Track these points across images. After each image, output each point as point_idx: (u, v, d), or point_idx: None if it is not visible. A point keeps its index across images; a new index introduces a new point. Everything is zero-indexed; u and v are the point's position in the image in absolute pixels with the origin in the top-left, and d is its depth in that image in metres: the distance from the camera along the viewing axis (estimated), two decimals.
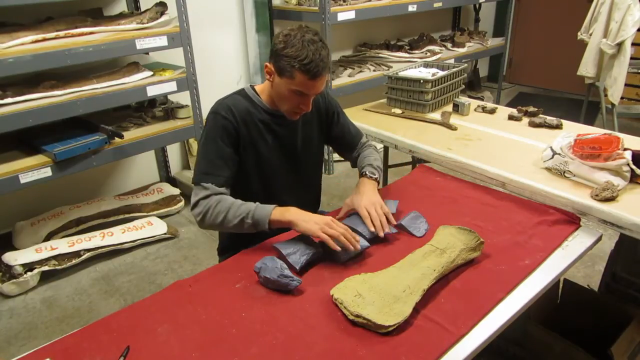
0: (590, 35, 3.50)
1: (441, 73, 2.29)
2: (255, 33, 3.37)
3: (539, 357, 1.66)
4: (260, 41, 3.37)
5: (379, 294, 1.10)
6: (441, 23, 4.90)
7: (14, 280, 2.30)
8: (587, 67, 3.53)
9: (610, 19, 3.30)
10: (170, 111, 2.77)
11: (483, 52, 4.50)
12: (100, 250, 2.54)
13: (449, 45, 4.33)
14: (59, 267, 2.41)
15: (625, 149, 1.48)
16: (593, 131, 1.82)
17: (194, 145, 3.31)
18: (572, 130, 1.90)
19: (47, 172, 2.21)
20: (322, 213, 1.58)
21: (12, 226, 2.63)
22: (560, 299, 1.86)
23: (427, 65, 2.49)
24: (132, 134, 2.52)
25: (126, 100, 2.48)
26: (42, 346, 1.06)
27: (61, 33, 2.19)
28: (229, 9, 3.30)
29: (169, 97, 2.88)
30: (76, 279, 2.45)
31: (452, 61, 3.67)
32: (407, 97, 2.29)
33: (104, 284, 2.42)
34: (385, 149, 2.53)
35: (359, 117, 2.22)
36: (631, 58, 3.35)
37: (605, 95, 3.45)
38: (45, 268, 2.38)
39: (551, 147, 1.61)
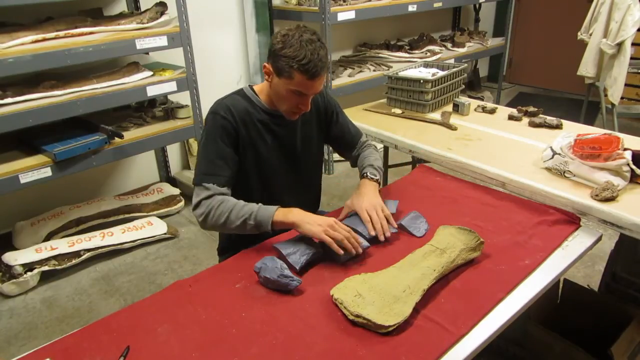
0: (590, 35, 3.50)
1: (441, 73, 2.29)
2: (255, 33, 3.37)
3: (539, 357, 1.66)
4: (260, 41, 3.37)
5: (379, 294, 1.10)
6: (441, 23, 4.90)
7: (14, 280, 2.30)
8: (587, 67, 3.53)
9: (610, 19, 3.30)
10: (170, 111, 2.77)
11: (483, 52, 4.50)
12: (100, 250, 2.54)
13: (449, 45, 4.33)
14: (59, 267, 2.41)
15: (625, 149, 1.48)
16: (593, 131, 1.82)
17: (194, 145, 3.31)
18: (572, 130, 1.90)
19: (47, 172, 2.21)
20: (322, 213, 1.58)
21: (12, 226, 2.63)
22: (560, 299, 1.86)
23: (427, 65, 2.49)
24: (132, 134, 2.52)
25: (126, 100, 2.49)
26: (42, 346, 1.06)
27: (61, 33, 2.19)
28: (229, 9, 3.30)
29: (169, 97, 2.88)
30: (76, 279, 2.45)
31: (452, 61, 3.67)
32: (407, 97, 2.29)
33: (104, 284, 2.42)
34: (385, 149, 2.53)
35: (359, 117, 2.22)
36: (631, 58, 3.35)
37: (605, 95, 3.45)
38: (45, 268, 2.38)
39: (551, 147, 1.61)
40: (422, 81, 2.20)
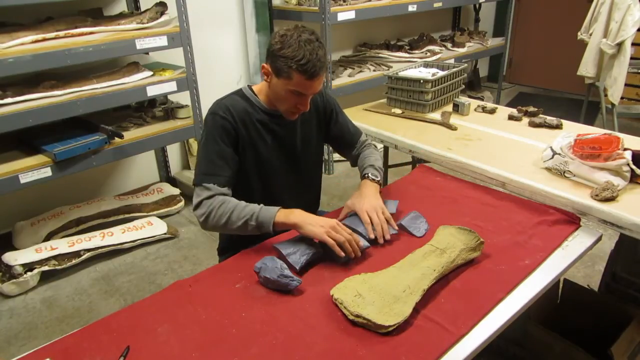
0: (590, 35, 3.50)
1: (441, 73, 2.29)
2: (255, 33, 3.37)
3: (539, 357, 1.66)
4: (260, 41, 3.37)
5: (379, 294, 1.10)
6: (441, 23, 4.90)
7: (14, 280, 2.30)
8: (587, 67, 3.53)
9: (610, 19, 3.30)
10: (170, 111, 2.77)
11: (483, 52, 4.50)
12: (100, 250, 2.54)
13: (449, 45, 4.33)
14: (59, 267, 2.41)
15: (625, 149, 1.48)
16: (593, 131, 1.82)
17: (194, 145, 3.31)
18: (572, 130, 1.90)
19: (47, 172, 2.21)
20: (322, 213, 1.58)
21: (12, 226, 2.63)
22: (560, 299, 1.86)
23: (427, 65, 2.49)
24: (132, 134, 2.52)
25: (126, 100, 2.49)
26: (42, 346, 1.06)
27: (61, 33, 2.19)
28: (229, 9, 3.30)
29: (169, 97, 2.88)
30: (76, 279, 2.45)
31: (452, 61, 3.67)
32: (407, 97, 2.29)
33: (104, 284, 2.42)
34: (385, 149, 2.53)
35: (359, 117, 2.22)
36: (631, 58, 3.36)
37: (605, 95, 3.45)
38: (45, 268, 2.38)
39: (551, 147, 1.61)
40: (422, 81, 2.20)
